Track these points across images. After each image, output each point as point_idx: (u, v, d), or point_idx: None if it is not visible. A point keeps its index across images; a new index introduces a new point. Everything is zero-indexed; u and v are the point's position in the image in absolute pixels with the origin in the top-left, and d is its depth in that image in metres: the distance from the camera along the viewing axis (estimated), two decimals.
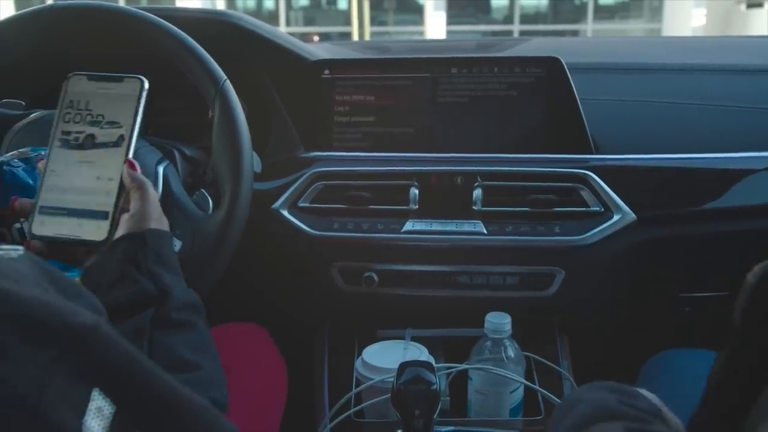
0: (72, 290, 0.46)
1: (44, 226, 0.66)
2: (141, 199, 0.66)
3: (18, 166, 0.72)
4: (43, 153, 0.74)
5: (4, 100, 0.99)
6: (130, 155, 0.67)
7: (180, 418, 0.45)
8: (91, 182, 0.67)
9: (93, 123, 0.68)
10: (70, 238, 0.66)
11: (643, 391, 0.59)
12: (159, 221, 0.67)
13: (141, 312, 0.60)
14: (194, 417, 0.46)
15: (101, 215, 0.66)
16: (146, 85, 0.70)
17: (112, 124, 0.68)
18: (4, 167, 0.71)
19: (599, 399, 0.56)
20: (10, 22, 0.95)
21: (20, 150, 0.75)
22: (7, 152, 0.78)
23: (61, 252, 0.68)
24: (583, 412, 0.55)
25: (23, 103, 0.99)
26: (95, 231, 0.65)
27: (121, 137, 0.68)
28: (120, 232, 0.65)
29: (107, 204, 0.66)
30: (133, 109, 0.69)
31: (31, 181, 0.72)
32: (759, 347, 0.49)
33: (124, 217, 0.66)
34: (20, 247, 0.46)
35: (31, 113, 0.91)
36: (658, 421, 0.52)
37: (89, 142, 0.67)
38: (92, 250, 0.67)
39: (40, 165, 0.68)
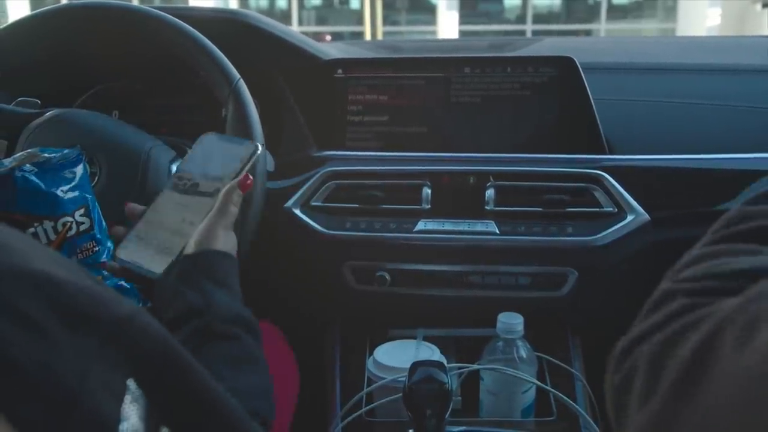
0: (100, 282, 0.46)
1: (125, 251, 0.71)
2: (212, 218, 0.69)
3: (30, 171, 0.71)
4: (49, 154, 0.74)
5: (19, 99, 1.00)
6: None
7: (212, 417, 0.46)
8: (177, 223, 0.71)
9: (203, 174, 0.73)
10: (135, 266, 0.70)
11: None
12: (224, 242, 0.69)
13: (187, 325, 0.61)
14: (226, 419, 0.46)
15: (169, 252, 0.69)
16: (258, 151, 0.74)
17: (215, 178, 0.73)
18: (16, 172, 0.71)
19: None
20: (27, 20, 0.95)
21: (29, 151, 0.75)
22: (23, 150, 0.78)
23: (128, 275, 0.72)
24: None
25: (38, 101, 1.00)
26: (158, 265, 0.69)
27: (217, 190, 0.72)
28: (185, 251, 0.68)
29: (179, 244, 0.69)
30: (238, 168, 0.73)
31: (43, 186, 0.72)
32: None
33: (193, 235, 0.68)
34: None
35: (46, 112, 0.92)
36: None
37: (192, 189, 0.72)
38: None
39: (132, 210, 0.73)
